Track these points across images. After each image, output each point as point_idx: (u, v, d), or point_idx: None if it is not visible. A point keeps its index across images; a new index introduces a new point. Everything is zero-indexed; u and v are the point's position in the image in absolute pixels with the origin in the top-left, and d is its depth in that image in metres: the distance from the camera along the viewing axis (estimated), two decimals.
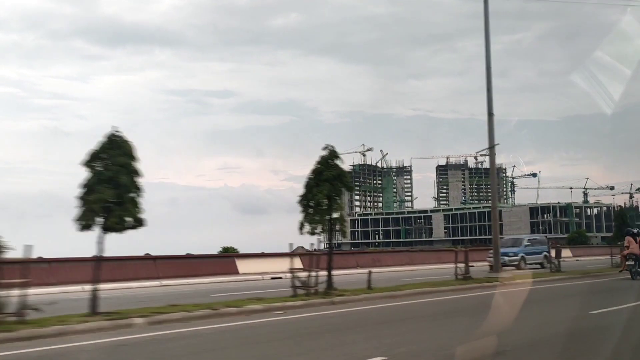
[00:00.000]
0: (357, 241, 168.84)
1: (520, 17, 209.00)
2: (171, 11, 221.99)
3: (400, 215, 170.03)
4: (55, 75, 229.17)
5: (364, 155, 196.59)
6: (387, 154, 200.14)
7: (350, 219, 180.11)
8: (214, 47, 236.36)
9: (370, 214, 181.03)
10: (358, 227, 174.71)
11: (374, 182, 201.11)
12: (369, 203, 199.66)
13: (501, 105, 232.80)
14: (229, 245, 54.34)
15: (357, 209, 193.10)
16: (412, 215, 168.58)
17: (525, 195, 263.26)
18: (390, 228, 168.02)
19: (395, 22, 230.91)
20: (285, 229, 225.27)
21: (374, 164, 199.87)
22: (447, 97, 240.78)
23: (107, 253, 11.78)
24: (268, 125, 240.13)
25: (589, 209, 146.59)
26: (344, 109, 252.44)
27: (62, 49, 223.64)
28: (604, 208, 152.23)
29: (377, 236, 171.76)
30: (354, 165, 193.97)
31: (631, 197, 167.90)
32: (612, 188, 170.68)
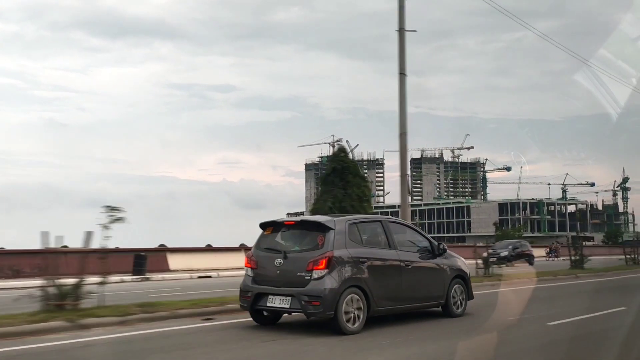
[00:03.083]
0: None
1: (523, 15, 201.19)
2: (172, 4, 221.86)
3: None
4: (56, 67, 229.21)
5: (334, 146, 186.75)
6: (357, 145, 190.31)
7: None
8: (215, 41, 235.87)
9: None
10: None
11: None
12: None
13: (504, 104, 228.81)
14: (231, 239, 47.52)
15: None
16: (379, 210, 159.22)
17: (509, 193, 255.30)
18: None
19: (396, 17, 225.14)
20: None
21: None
22: (448, 94, 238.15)
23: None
24: (270, 121, 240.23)
25: (562, 207, 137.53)
26: (347, 105, 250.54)
27: (63, 40, 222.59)
28: (581, 206, 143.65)
29: None
30: (321, 157, 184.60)
31: (614, 194, 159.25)
32: (592, 185, 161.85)
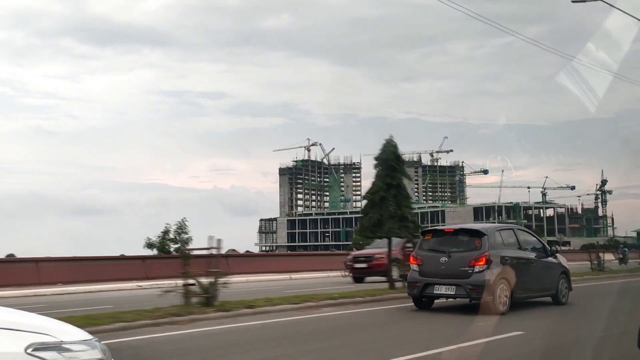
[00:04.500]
0: (295, 244, 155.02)
1: (511, 20, 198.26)
2: (161, 11, 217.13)
3: (341, 216, 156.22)
4: (46, 74, 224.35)
5: (309, 150, 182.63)
6: (333, 149, 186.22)
7: (288, 219, 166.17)
8: (205, 48, 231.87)
9: (311, 214, 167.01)
10: (297, 229, 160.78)
11: (320, 179, 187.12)
12: (313, 202, 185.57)
13: (494, 109, 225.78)
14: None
15: (300, 209, 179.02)
16: (354, 215, 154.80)
17: (492, 197, 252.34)
18: (330, 230, 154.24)
19: (386, 24, 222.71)
20: None
21: (319, 159, 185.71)
22: (439, 100, 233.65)
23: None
24: (261, 127, 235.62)
25: (540, 211, 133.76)
26: (338, 111, 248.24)
27: (52, 47, 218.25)
28: (559, 209, 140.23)
29: (316, 238, 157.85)
30: (296, 161, 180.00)
31: (596, 198, 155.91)
32: (572, 188, 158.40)
